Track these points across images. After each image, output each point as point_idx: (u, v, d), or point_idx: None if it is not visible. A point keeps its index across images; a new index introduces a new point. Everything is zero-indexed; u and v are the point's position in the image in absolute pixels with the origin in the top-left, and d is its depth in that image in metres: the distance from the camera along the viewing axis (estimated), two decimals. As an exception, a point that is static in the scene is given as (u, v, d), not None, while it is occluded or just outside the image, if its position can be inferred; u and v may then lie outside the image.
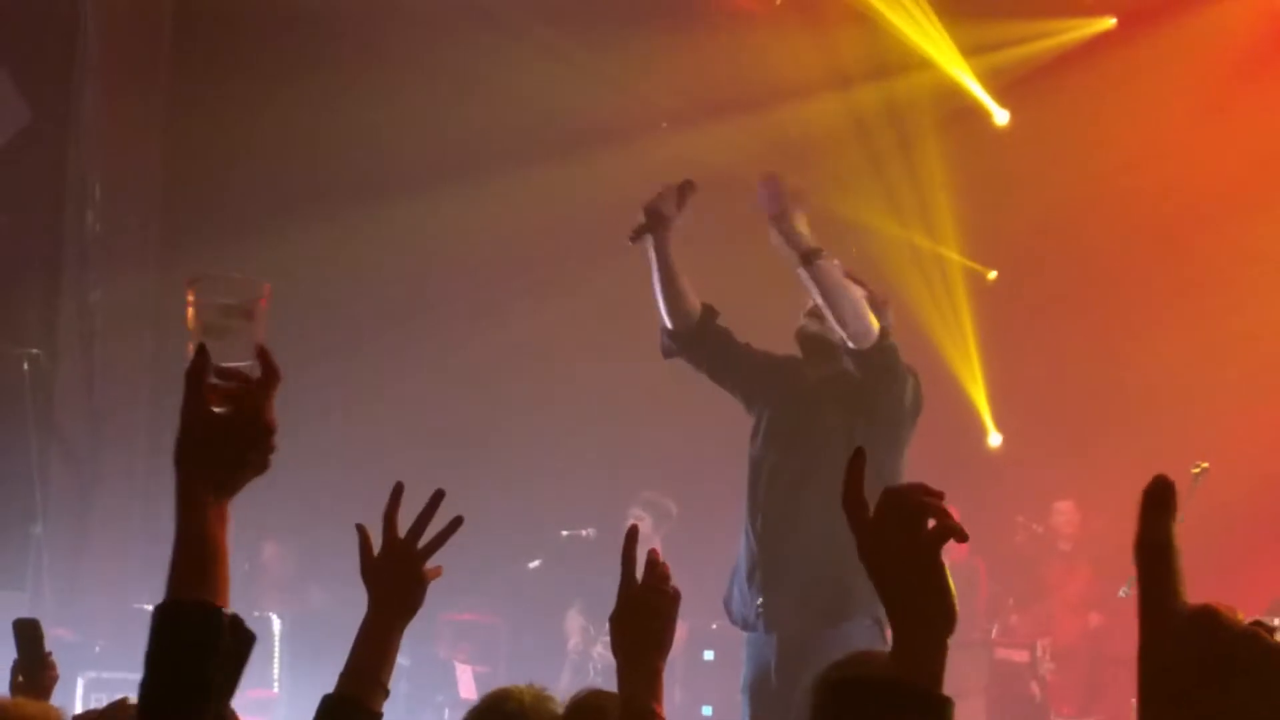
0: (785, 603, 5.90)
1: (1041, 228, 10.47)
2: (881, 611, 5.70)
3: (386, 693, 2.91)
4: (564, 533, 10.04)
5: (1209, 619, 1.28)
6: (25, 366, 9.45)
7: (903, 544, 1.80)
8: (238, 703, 2.06)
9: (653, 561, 3.04)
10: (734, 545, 6.18)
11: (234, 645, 1.95)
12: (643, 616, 3.00)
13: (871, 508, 1.84)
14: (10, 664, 3.97)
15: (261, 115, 10.49)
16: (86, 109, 10.01)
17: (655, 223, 5.97)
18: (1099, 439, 10.40)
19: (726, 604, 6.13)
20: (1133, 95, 10.41)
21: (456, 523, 3.00)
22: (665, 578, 3.02)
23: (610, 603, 3.03)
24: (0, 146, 9.56)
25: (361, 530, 3.05)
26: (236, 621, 1.95)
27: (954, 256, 10.72)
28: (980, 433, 10.71)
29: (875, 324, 5.80)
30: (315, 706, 2.92)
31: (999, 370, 10.65)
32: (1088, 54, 10.52)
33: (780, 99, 10.58)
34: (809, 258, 5.76)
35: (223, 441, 2.02)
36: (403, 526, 3.01)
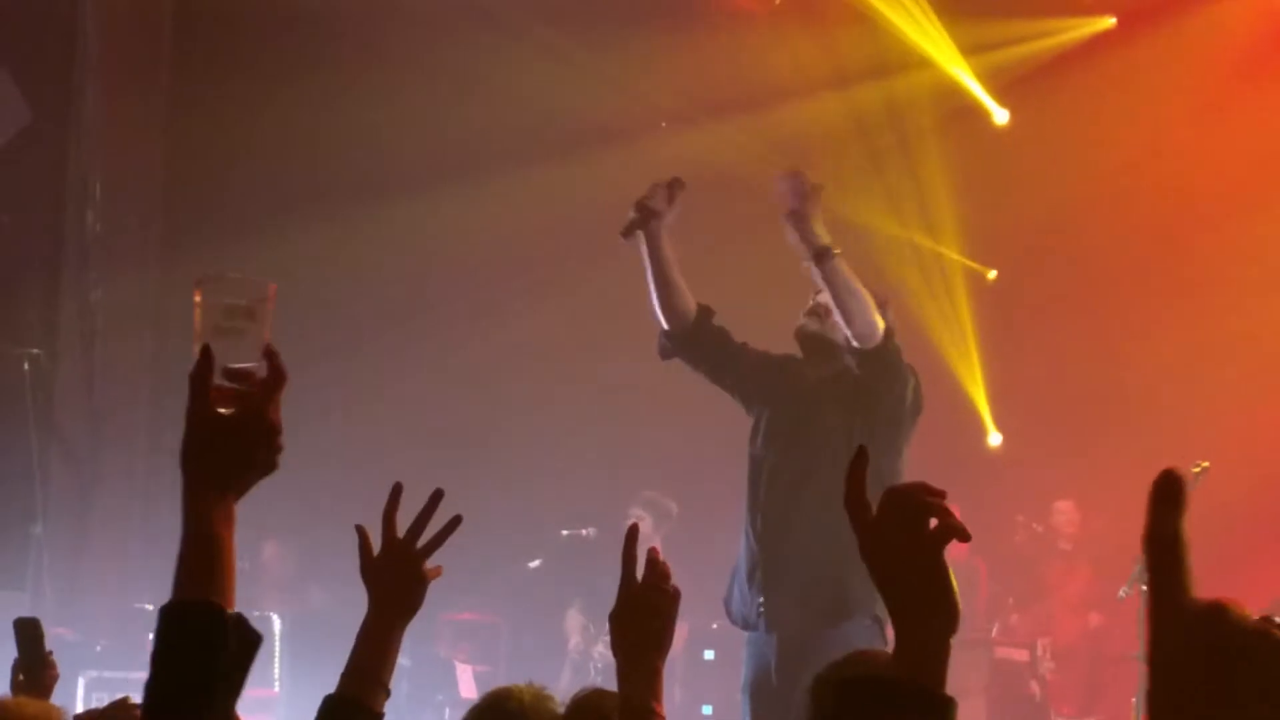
0: (786, 602, 5.90)
1: (1041, 227, 10.46)
2: (882, 610, 5.77)
3: (388, 693, 2.91)
4: (564, 532, 10.04)
5: (1218, 614, 1.27)
6: (26, 366, 9.45)
7: (905, 543, 1.80)
8: (238, 702, 2.06)
9: (653, 560, 3.04)
10: (734, 545, 6.18)
11: (239, 645, 1.95)
12: (643, 615, 3.00)
13: (872, 508, 1.84)
14: (11, 663, 3.97)
15: (262, 115, 10.50)
16: (87, 109, 10.01)
17: (646, 218, 5.98)
18: (1099, 439, 10.40)
19: (727, 604, 6.14)
20: (1132, 95, 10.41)
21: (455, 522, 3.00)
22: (665, 576, 3.03)
23: (610, 602, 3.03)
24: (1, 146, 9.56)
25: (361, 531, 3.05)
26: (241, 621, 1.96)
27: (954, 256, 10.72)
28: (980, 432, 10.71)
29: (881, 324, 5.82)
30: (315, 706, 2.92)
31: (999, 370, 10.65)
32: (1088, 54, 10.52)
33: (780, 99, 10.58)
34: (823, 255, 5.76)
35: (228, 443, 2.02)
36: (402, 526, 3.01)
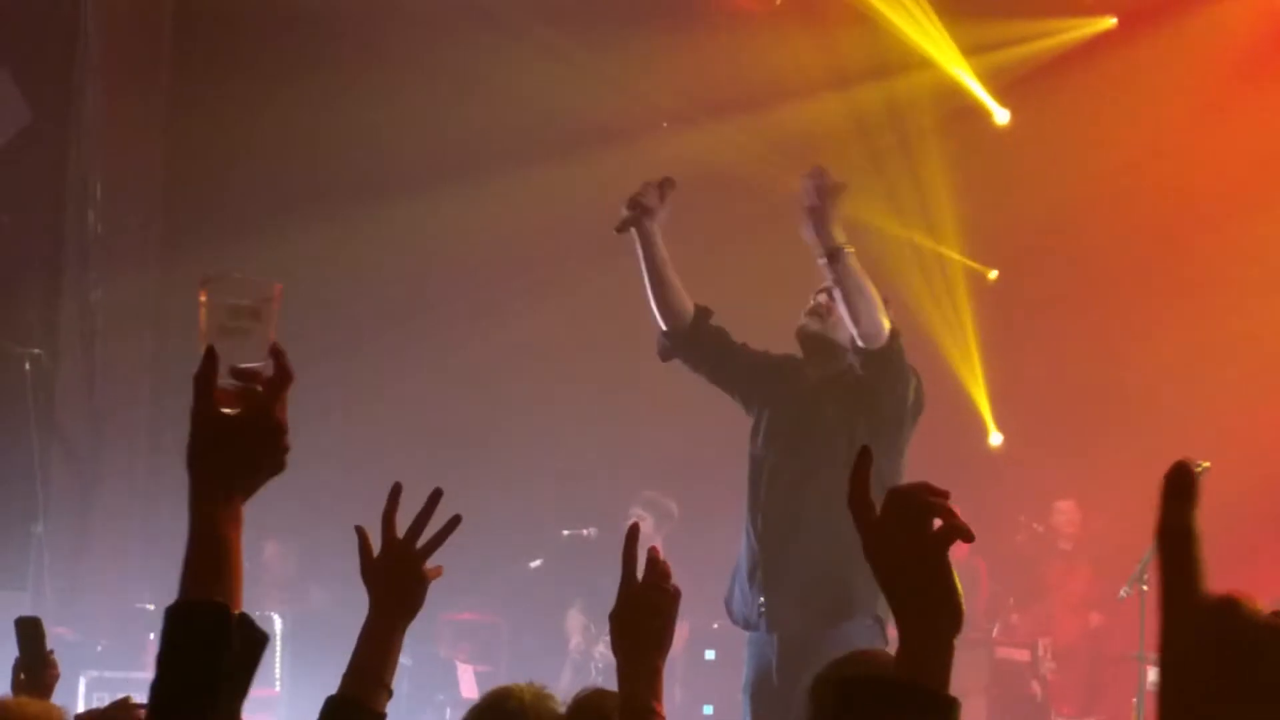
0: (786, 602, 5.91)
1: (1042, 227, 10.46)
2: (883, 610, 5.78)
3: (390, 693, 2.91)
4: (565, 532, 10.04)
5: (1231, 609, 1.26)
6: (26, 366, 9.45)
7: (909, 544, 1.80)
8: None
9: (653, 560, 3.04)
10: (735, 545, 6.19)
11: (244, 645, 1.95)
12: (643, 615, 3.00)
13: (875, 508, 1.84)
14: (12, 663, 3.97)
15: (262, 115, 10.50)
16: (87, 109, 10.02)
17: (638, 214, 6.02)
18: (1100, 438, 10.40)
19: (728, 604, 6.14)
20: (1133, 95, 10.41)
21: (455, 522, 3.00)
22: (666, 576, 3.03)
23: (611, 602, 3.03)
24: (1, 146, 9.56)
25: (360, 532, 3.05)
26: (246, 621, 1.96)
27: (955, 256, 10.73)
28: (981, 432, 10.71)
29: (887, 325, 5.84)
30: (316, 705, 2.92)
31: (1000, 370, 10.65)
32: (1088, 54, 10.52)
33: (780, 99, 10.58)
34: (837, 253, 5.78)
35: (233, 443, 2.02)
36: (402, 527, 3.02)
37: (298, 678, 9.23)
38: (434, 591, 3.02)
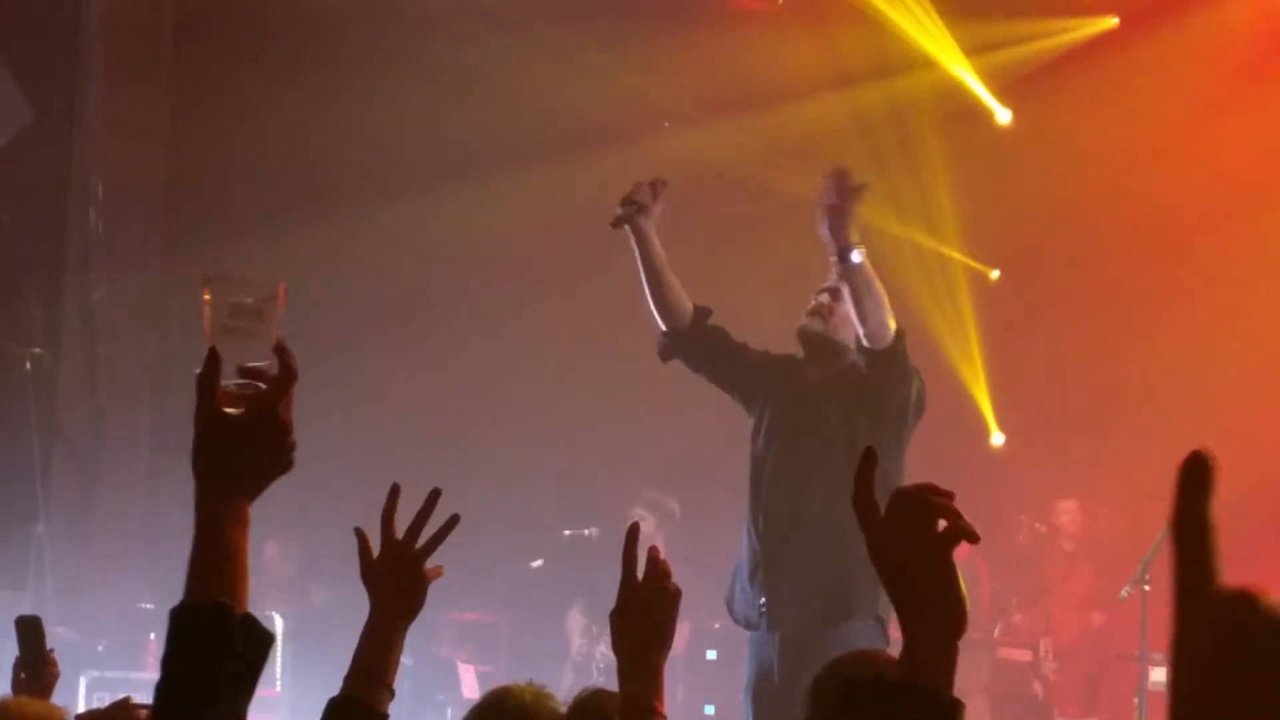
0: (787, 602, 5.91)
1: (1043, 227, 10.46)
2: (884, 610, 5.77)
3: (392, 693, 2.91)
4: (566, 532, 10.04)
5: (1247, 602, 1.25)
6: (28, 365, 9.44)
7: (913, 545, 1.80)
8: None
9: (653, 559, 3.04)
10: (736, 545, 6.19)
11: (248, 646, 1.94)
12: (643, 614, 3.00)
13: (880, 509, 1.83)
14: (12, 663, 3.98)
15: (263, 114, 10.50)
16: (89, 108, 10.01)
17: (632, 212, 6.04)
18: (1102, 438, 10.40)
19: (729, 603, 6.14)
20: (1135, 95, 10.41)
21: (453, 521, 3.00)
22: (666, 575, 3.03)
23: (612, 602, 3.03)
24: (2, 146, 9.56)
25: (360, 533, 3.05)
26: (250, 622, 1.95)
27: (956, 256, 10.72)
28: (983, 432, 10.71)
29: (893, 325, 5.85)
30: (317, 705, 2.92)
31: (1001, 370, 10.65)
32: (1090, 53, 10.52)
33: (782, 98, 10.58)
34: (850, 252, 5.79)
35: (237, 443, 2.01)
36: (401, 527, 3.01)
37: (298, 678, 9.23)
38: (435, 591, 3.02)
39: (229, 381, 2.02)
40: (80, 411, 10.15)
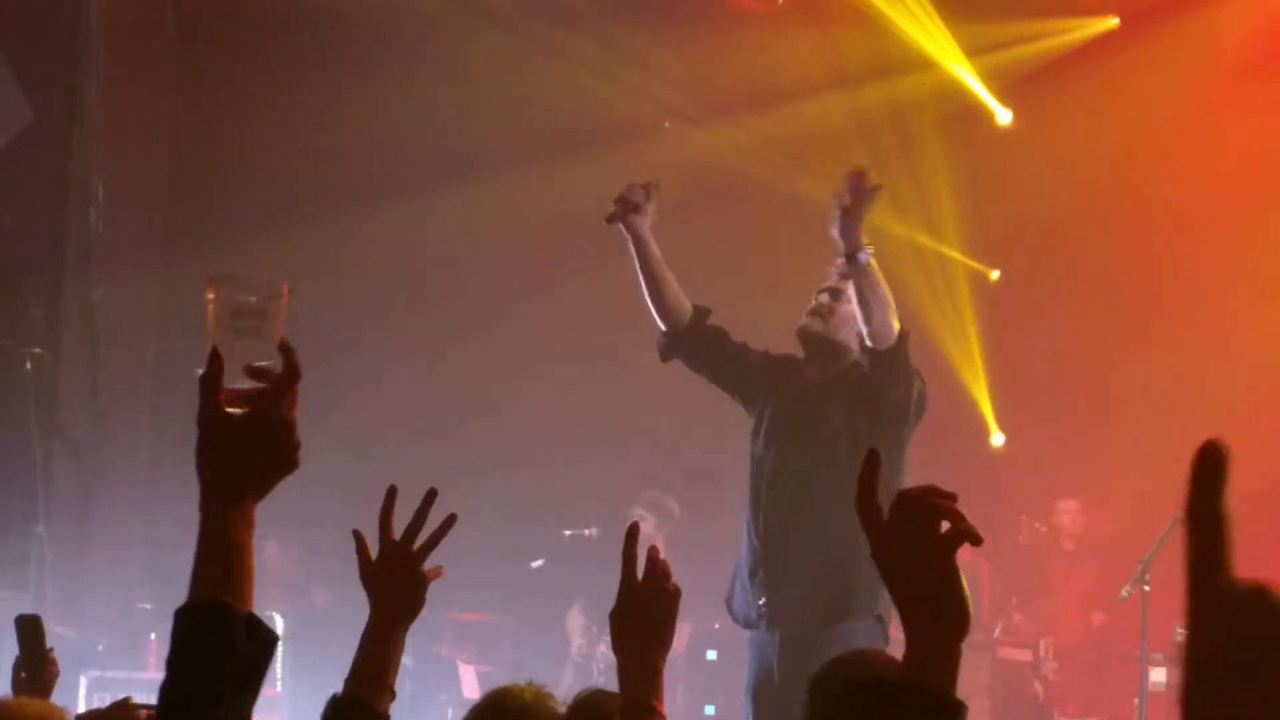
0: (787, 601, 5.91)
1: (1044, 227, 10.46)
2: (884, 609, 5.77)
3: (393, 694, 2.91)
4: (566, 532, 10.04)
5: (1261, 597, 1.24)
6: (28, 365, 9.44)
7: (917, 547, 1.79)
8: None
9: (653, 559, 3.04)
10: (736, 544, 6.19)
11: (252, 646, 1.94)
12: (643, 614, 3.00)
13: (882, 510, 1.83)
14: (12, 663, 3.98)
15: (264, 114, 10.50)
16: (89, 108, 10.01)
17: (625, 209, 6.09)
18: (1102, 438, 10.40)
19: (728, 603, 6.15)
20: (1135, 95, 10.40)
21: (450, 521, 3.00)
22: (666, 575, 3.03)
23: (613, 602, 3.03)
24: (3, 146, 9.56)
25: (358, 536, 3.05)
26: (254, 622, 1.95)
27: (956, 256, 10.72)
28: (983, 432, 10.71)
29: (897, 326, 5.87)
30: (317, 704, 2.92)
31: (1002, 370, 10.65)
32: (1090, 54, 10.52)
33: (783, 98, 10.58)
34: (859, 253, 5.80)
35: (240, 444, 2.01)
36: (400, 529, 3.01)
37: (299, 677, 9.23)
38: (436, 591, 3.02)
39: (234, 382, 2.02)
40: (81, 412, 10.15)
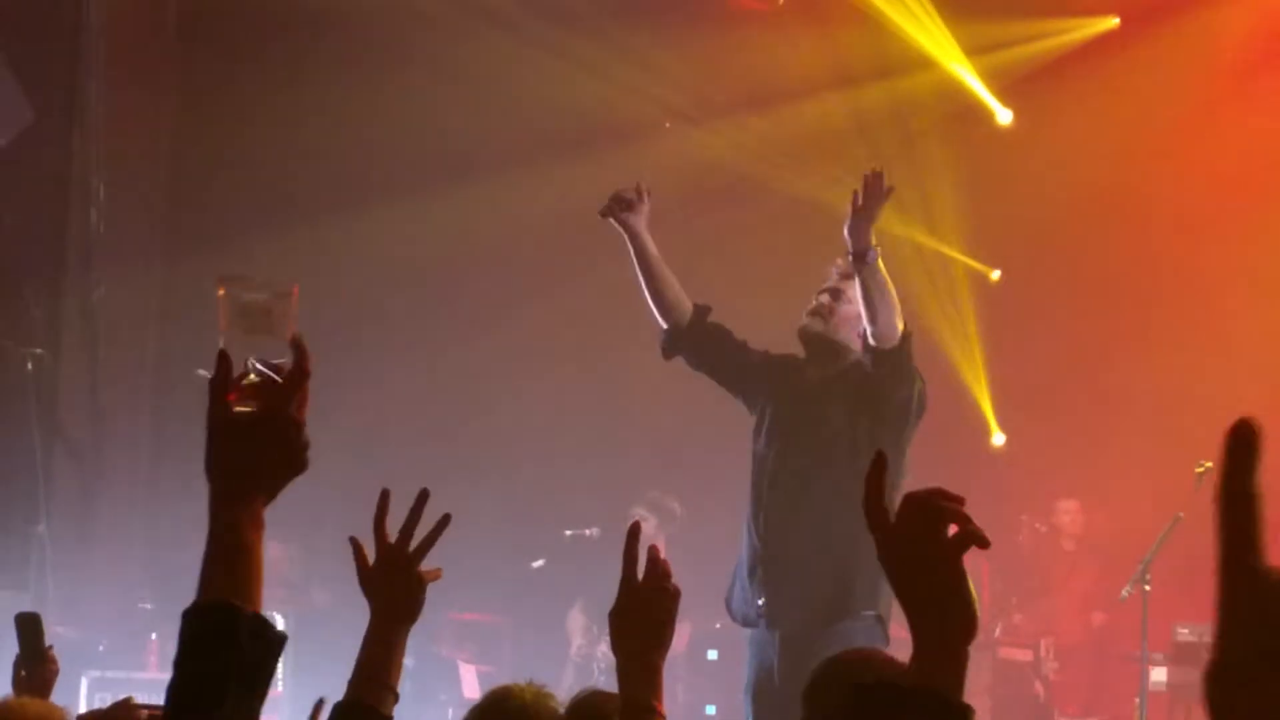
0: (787, 600, 5.92)
1: (1045, 227, 10.46)
2: (884, 609, 5.77)
3: (396, 696, 2.91)
4: (567, 532, 10.04)
5: None
6: (29, 365, 9.44)
7: (924, 549, 1.79)
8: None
9: (653, 559, 3.03)
10: (737, 544, 6.19)
11: (257, 645, 1.94)
12: (643, 614, 3.00)
13: (890, 513, 1.83)
14: (12, 662, 3.98)
15: (264, 114, 10.50)
16: (90, 108, 10.01)
17: (619, 205, 6.13)
18: (1103, 438, 10.39)
19: (728, 602, 6.15)
20: (1135, 95, 10.40)
21: (444, 521, 3.00)
22: (666, 575, 3.02)
23: (614, 602, 3.03)
24: (3, 146, 9.55)
25: (354, 542, 3.05)
26: (259, 622, 1.95)
27: (957, 256, 10.72)
28: (984, 432, 10.71)
29: (901, 327, 5.89)
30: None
31: (1002, 370, 10.65)
32: (1091, 53, 10.52)
33: (783, 98, 10.58)
34: (868, 253, 5.81)
35: (249, 445, 2.01)
36: (395, 532, 3.01)
37: (299, 678, 9.23)
38: (437, 592, 3.02)
39: (247, 379, 2.02)
40: (81, 412, 10.14)
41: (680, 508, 9.80)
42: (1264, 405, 9.76)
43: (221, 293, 2.06)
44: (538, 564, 10.30)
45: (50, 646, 3.99)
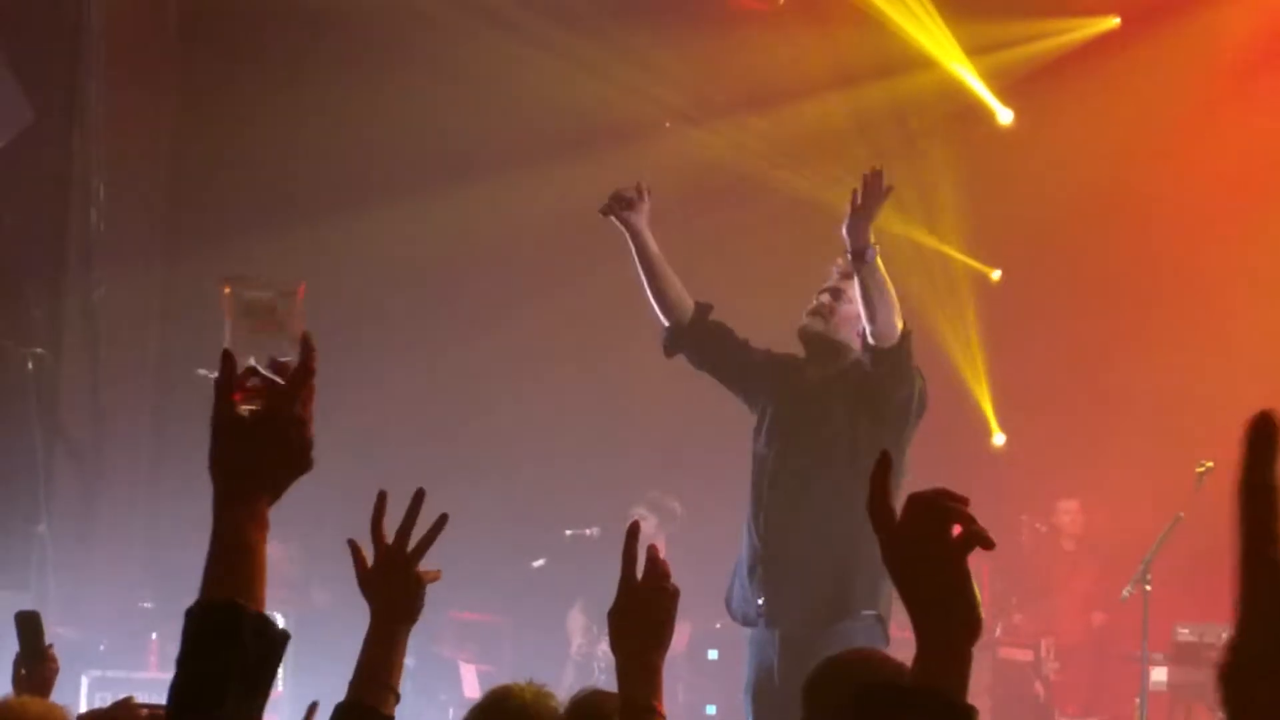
0: (787, 600, 5.92)
1: (1045, 227, 10.45)
2: (884, 608, 5.77)
3: (397, 697, 2.91)
4: (568, 532, 10.04)
5: None
6: (30, 365, 9.44)
7: (928, 550, 1.79)
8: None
9: (652, 559, 3.03)
10: (736, 544, 6.19)
11: (258, 644, 1.94)
12: (642, 614, 3.00)
13: (895, 513, 1.83)
14: (12, 661, 3.98)
15: (264, 114, 10.50)
16: (90, 108, 10.01)
17: (619, 204, 6.14)
18: (1103, 438, 10.39)
19: (727, 601, 6.16)
20: (1135, 95, 10.40)
21: (441, 521, 3.00)
22: (665, 575, 3.02)
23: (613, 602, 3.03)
24: (3, 146, 9.55)
25: (353, 545, 3.05)
26: (262, 620, 1.95)
27: (958, 256, 10.72)
28: (984, 432, 10.71)
29: (900, 326, 5.89)
30: (321, 705, 2.92)
31: (1003, 370, 10.65)
32: (1091, 53, 10.52)
33: (784, 98, 10.58)
34: (867, 252, 5.82)
35: (254, 444, 2.01)
36: (392, 533, 3.01)
37: (300, 678, 9.22)
38: (437, 591, 3.02)
39: (251, 379, 2.02)
40: (82, 411, 10.14)
41: (680, 507, 9.80)
42: (1264, 405, 9.77)
43: (226, 291, 2.06)
44: (538, 564, 10.30)
45: (50, 645, 3.99)
